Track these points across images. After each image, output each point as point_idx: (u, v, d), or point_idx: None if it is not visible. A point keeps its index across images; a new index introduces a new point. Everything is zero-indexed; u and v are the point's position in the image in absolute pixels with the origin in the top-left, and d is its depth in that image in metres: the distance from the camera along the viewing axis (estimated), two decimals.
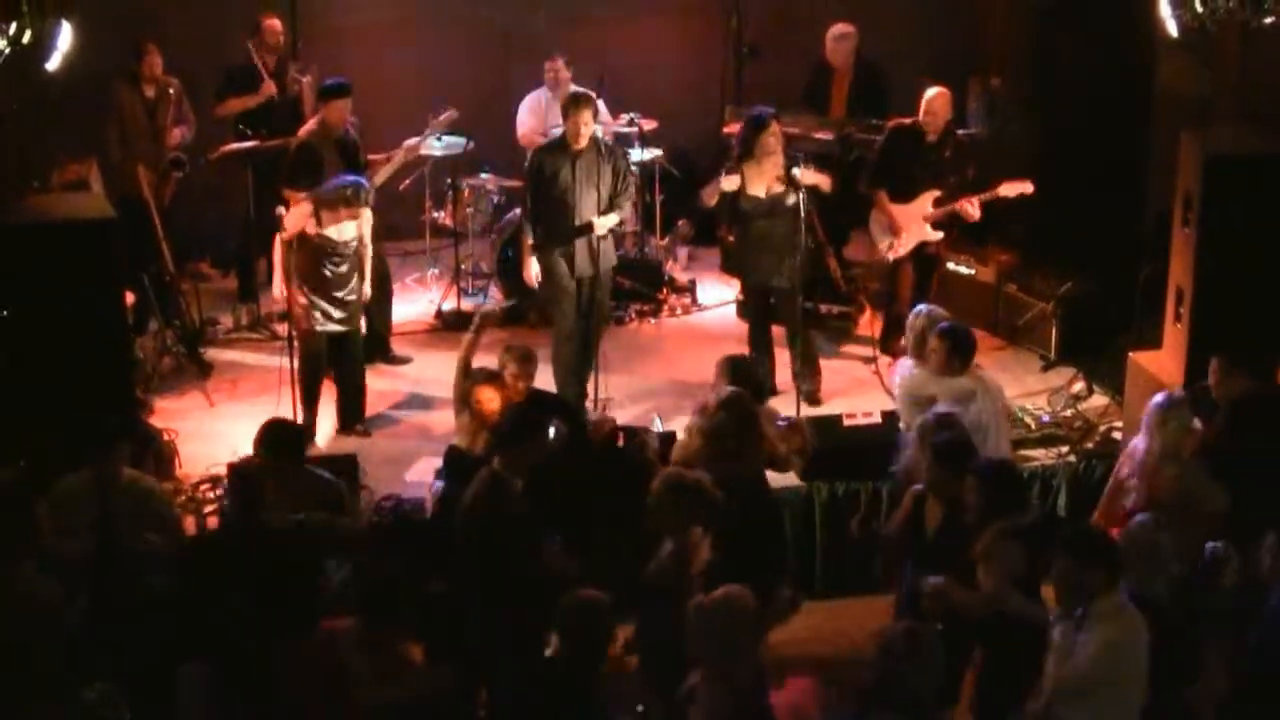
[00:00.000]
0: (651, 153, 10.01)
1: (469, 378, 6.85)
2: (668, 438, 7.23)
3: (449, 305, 9.73)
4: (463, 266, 9.84)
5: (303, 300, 7.77)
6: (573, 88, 9.69)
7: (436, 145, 9.52)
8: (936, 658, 4.68)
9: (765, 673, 5.00)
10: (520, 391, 6.81)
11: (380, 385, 8.59)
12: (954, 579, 5.58)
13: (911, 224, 8.72)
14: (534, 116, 9.76)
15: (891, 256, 8.86)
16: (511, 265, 9.24)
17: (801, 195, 7.88)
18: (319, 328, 7.83)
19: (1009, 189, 8.57)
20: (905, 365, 7.01)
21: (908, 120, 8.77)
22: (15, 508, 5.56)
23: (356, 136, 8.62)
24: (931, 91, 8.65)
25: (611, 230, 8.21)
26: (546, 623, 5.18)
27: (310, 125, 8.54)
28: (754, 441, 6.26)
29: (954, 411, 6.38)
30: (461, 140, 9.59)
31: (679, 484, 5.69)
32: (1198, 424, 6.51)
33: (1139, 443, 6.44)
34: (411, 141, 8.94)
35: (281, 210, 7.67)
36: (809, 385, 8.29)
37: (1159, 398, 6.44)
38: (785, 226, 8.02)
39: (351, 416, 8.16)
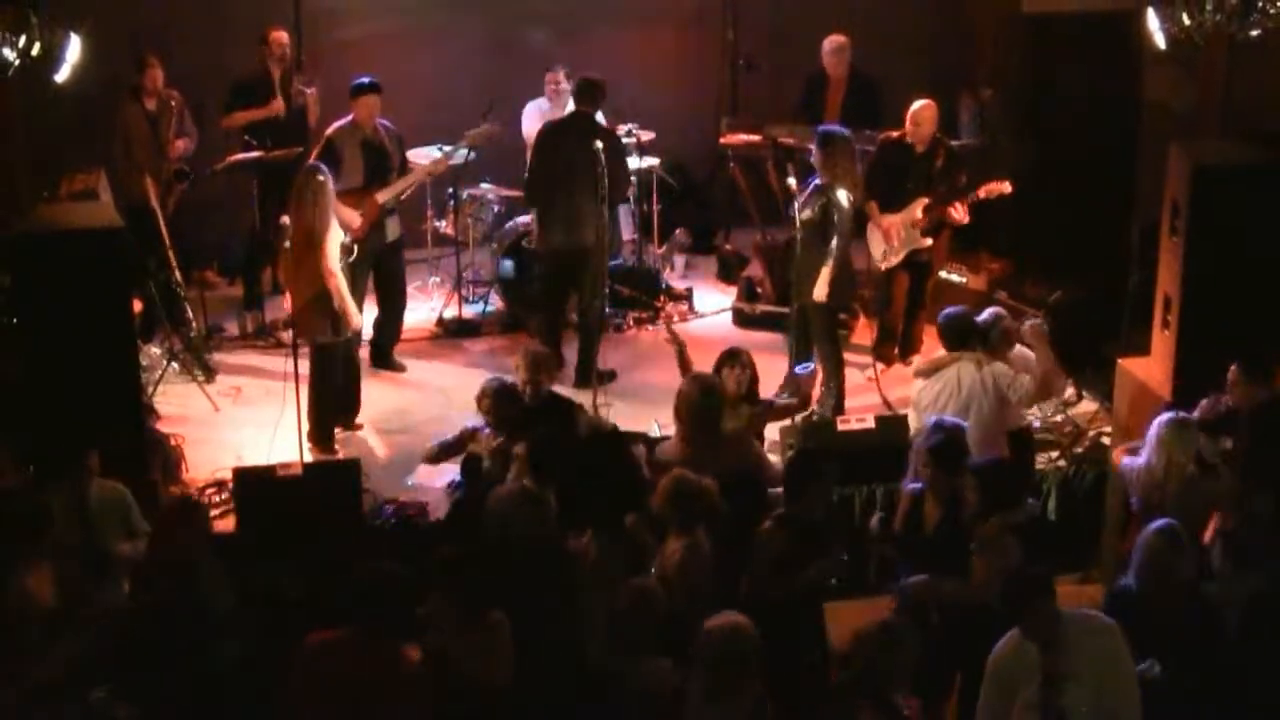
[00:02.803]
0: (649, 162, 10.14)
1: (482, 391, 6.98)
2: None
3: (450, 313, 9.88)
4: (464, 275, 9.97)
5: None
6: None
7: (436, 156, 9.66)
8: (909, 650, 4.84)
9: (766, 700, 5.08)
10: (537, 396, 6.95)
11: (383, 390, 8.71)
12: (953, 577, 5.72)
13: (903, 232, 8.86)
14: (536, 122, 9.89)
15: (885, 266, 8.99)
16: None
17: (811, 212, 8.07)
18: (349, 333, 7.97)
19: (986, 190, 8.69)
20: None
21: (895, 134, 8.92)
22: (22, 519, 5.67)
23: (386, 139, 8.73)
24: (917, 104, 8.78)
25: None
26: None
27: (343, 121, 8.67)
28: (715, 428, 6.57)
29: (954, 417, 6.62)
30: (463, 151, 9.72)
31: (685, 488, 5.87)
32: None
33: (1140, 459, 6.51)
34: (445, 150, 9.14)
35: (286, 219, 7.77)
36: (832, 400, 8.32)
37: (1165, 416, 6.51)
38: (802, 244, 8.20)
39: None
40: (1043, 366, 7.18)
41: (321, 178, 7.74)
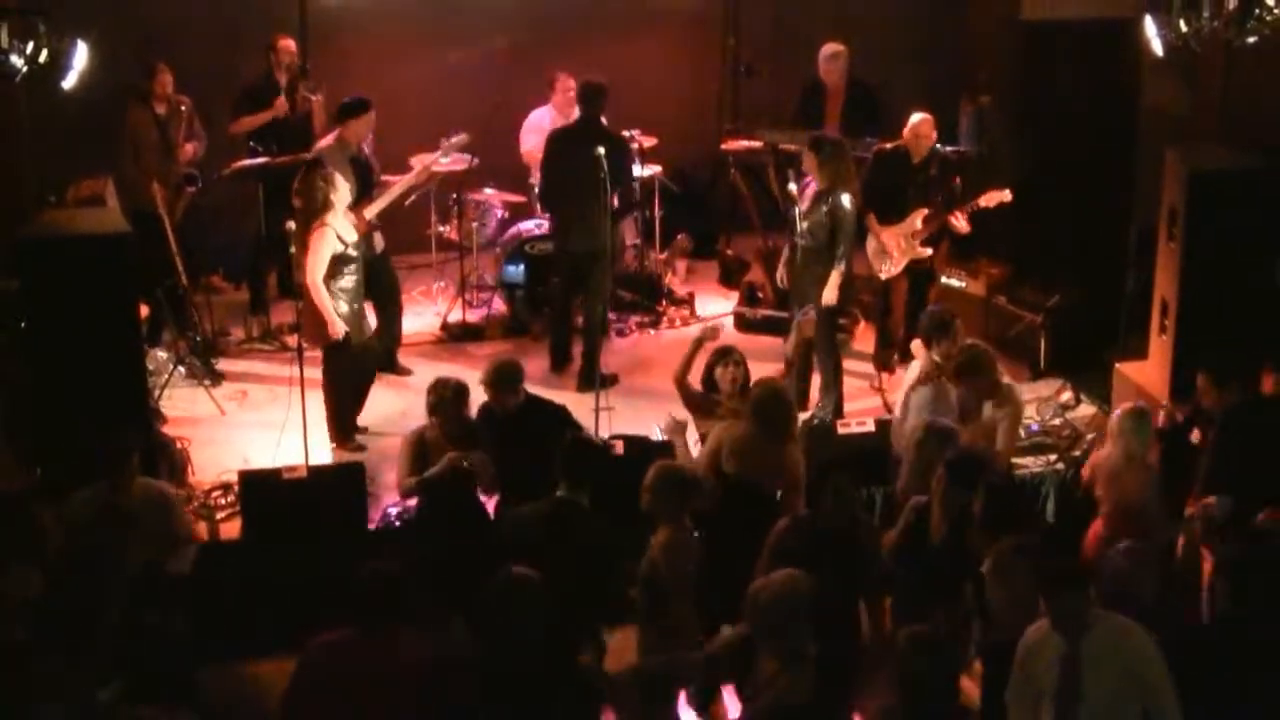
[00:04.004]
0: (651, 169, 10.20)
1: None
2: (667, 447, 7.42)
3: (454, 317, 9.95)
4: (468, 279, 10.04)
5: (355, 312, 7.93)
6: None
7: (442, 161, 9.73)
8: (949, 656, 4.88)
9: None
10: (507, 405, 6.92)
11: (387, 395, 8.75)
12: (956, 590, 5.74)
13: (903, 243, 8.91)
14: (537, 135, 9.94)
15: (884, 276, 9.04)
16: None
17: (798, 219, 8.13)
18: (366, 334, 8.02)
19: (988, 199, 8.76)
20: None
21: (889, 145, 8.97)
22: (13, 515, 5.73)
23: (370, 157, 8.81)
24: (917, 117, 8.83)
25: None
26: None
27: (328, 139, 8.72)
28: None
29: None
30: (466, 156, 9.80)
31: (673, 475, 5.92)
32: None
33: (1104, 451, 6.63)
34: (425, 160, 9.08)
35: (291, 225, 7.82)
36: (832, 404, 8.37)
37: (1125, 406, 6.63)
38: (804, 251, 8.27)
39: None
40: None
41: (322, 180, 7.80)
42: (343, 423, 8.16)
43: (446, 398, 6.77)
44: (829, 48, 10.11)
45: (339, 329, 7.81)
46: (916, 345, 7.47)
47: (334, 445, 8.14)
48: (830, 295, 8.15)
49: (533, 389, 7.32)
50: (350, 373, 8.12)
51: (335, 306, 7.80)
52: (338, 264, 7.81)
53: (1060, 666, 5.05)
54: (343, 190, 7.87)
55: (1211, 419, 6.73)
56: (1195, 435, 6.85)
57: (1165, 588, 5.83)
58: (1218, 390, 6.69)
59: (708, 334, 7.28)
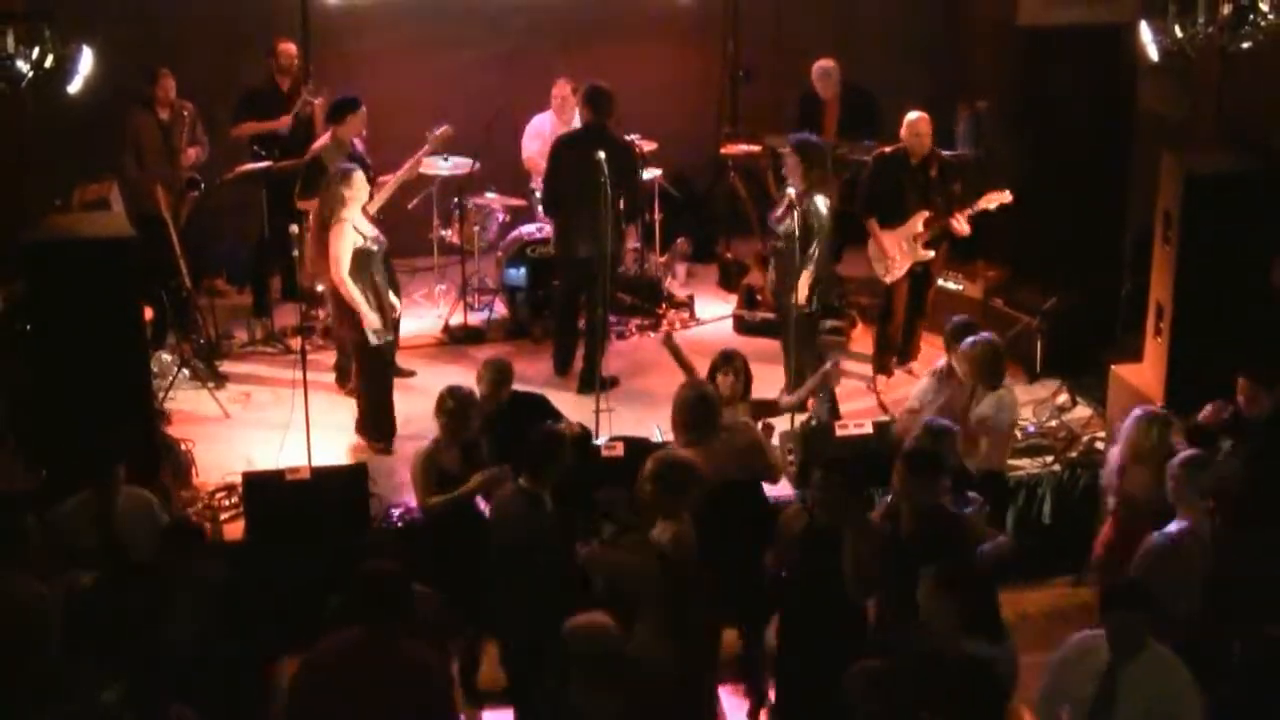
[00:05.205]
0: (651, 173, 10.25)
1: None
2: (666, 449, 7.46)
3: (456, 320, 10.00)
4: (469, 283, 10.09)
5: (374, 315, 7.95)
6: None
7: (443, 165, 9.79)
8: (893, 693, 4.84)
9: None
10: (501, 400, 7.01)
11: None
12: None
13: (905, 246, 8.96)
14: (538, 141, 10.00)
15: (889, 280, 9.09)
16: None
17: (791, 221, 8.18)
18: (381, 340, 7.99)
19: (989, 200, 8.81)
20: None
21: (889, 148, 8.99)
22: (5, 517, 5.77)
23: (364, 155, 8.88)
24: (913, 115, 8.85)
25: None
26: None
27: (324, 140, 8.78)
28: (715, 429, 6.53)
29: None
30: (468, 160, 9.86)
31: (674, 465, 5.91)
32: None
33: (1113, 452, 6.68)
34: (413, 159, 9.14)
35: (295, 228, 7.86)
36: (827, 405, 8.33)
37: (1137, 411, 6.66)
38: (784, 254, 8.29)
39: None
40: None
41: (346, 174, 7.85)
42: (383, 421, 8.18)
43: (463, 402, 6.80)
44: (820, 65, 10.17)
45: (374, 321, 7.86)
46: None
47: (368, 443, 8.15)
48: (801, 295, 8.19)
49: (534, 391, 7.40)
50: (385, 370, 8.15)
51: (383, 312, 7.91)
52: (359, 261, 7.86)
53: (1098, 681, 5.07)
54: (358, 187, 7.89)
55: (1243, 420, 6.71)
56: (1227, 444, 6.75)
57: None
58: (1256, 392, 6.67)
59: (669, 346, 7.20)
